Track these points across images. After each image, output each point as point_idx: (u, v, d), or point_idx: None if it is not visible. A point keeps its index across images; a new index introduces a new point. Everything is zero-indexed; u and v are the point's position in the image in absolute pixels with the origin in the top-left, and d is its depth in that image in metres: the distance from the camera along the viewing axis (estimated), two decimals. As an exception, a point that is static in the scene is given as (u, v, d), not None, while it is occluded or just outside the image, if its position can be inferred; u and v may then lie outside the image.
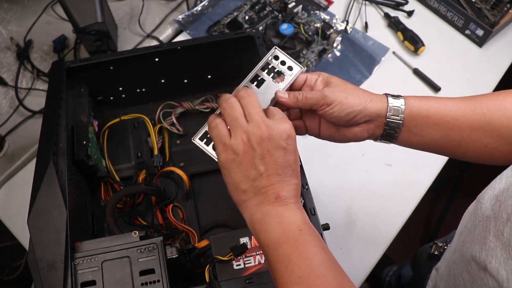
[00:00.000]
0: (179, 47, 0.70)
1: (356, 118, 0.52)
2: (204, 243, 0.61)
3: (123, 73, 0.73)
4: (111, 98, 0.78)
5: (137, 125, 0.79)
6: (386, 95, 0.53)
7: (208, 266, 0.55)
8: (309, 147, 0.81)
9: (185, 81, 0.79)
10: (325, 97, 0.50)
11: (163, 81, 0.77)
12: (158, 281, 0.50)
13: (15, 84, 0.87)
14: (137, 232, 0.53)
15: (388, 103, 0.52)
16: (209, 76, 0.79)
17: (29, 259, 0.48)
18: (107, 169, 0.72)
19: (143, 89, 0.78)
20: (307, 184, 0.58)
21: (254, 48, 0.72)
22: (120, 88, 0.76)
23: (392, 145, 0.67)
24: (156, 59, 0.72)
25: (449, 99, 0.52)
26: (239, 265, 0.55)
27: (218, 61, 0.76)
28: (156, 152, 0.74)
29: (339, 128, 0.54)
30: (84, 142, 0.64)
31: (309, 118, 0.56)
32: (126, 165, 0.75)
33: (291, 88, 0.54)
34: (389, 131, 0.53)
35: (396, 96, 0.53)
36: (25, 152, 0.80)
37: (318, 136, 0.57)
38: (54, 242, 0.49)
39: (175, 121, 0.77)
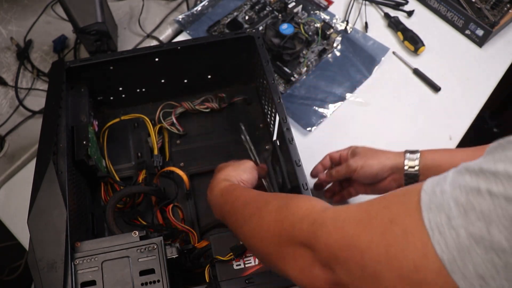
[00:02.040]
0: (179, 47, 0.70)
1: (379, 175, 0.63)
2: (204, 243, 0.61)
3: (123, 73, 0.73)
4: (111, 98, 0.78)
5: (137, 125, 0.79)
6: (405, 151, 0.62)
7: (208, 266, 0.55)
8: (310, 147, 0.81)
9: (185, 81, 0.79)
10: (349, 166, 0.65)
11: (163, 81, 0.77)
12: (158, 281, 0.50)
13: (15, 84, 0.87)
14: (137, 232, 0.53)
15: (404, 158, 0.62)
16: (209, 76, 0.79)
17: (29, 259, 0.48)
18: (107, 169, 0.72)
19: (143, 89, 0.78)
20: (307, 184, 0.58)
21: (254, 48, 0.72)
22: (120, 88, 0.76)
23: (392, 145, 0.67)
24: (156, 59, 0.72)
25: (460, 150, 0.61)
26: (239, 265, 0.55)
27: (218, 61, 0.76)
28: (156, 152, 0.74)
29: (371, 186, 0.66)
30: (84, 142, 0.64)
31: (347, 184, 0.71)
32: (126, 165, 0.75)
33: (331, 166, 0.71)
34: (409, 180, 0.62)
35: (413, 152, 0.62)
36: (25, 152, 0.80)
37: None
38: (54, 242, 0.50)
39: (175, 121, 0.77)
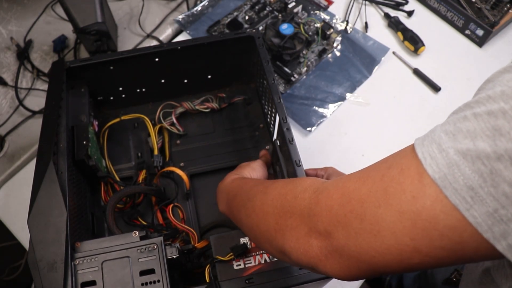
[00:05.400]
0: (179, 47, 0.70)
1: None
2: (204, 243, 0.61)
3: (123, 73, 0.73)
4: (111, 98, 0.78)
5: (137, 125, 0.79)
6: None
7: (208, 266, 0.55)
8: (309, 147, 0.81)
9: (185, 81, 0.79)
10: None
11: (163, 81, 0.77)
12: (158, 281, 0.50)
13: (15, 84, 0.87)
14: (137, 232, 0.53)
15: None
16: (209, 76, 0.79)
17: (29, 259, 0.48)
18: (107, 169, 0.72)
19: (143, 89, 0.78)
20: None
21: (254, 48, 0.72)
22: (120, 88, 0.76)
23: (392, 145, 0.67)
24: (156, 59, 0.72)
25: None
26: (239, 265, 0.55)
27: (218, 61, 0.76)
28: (156, 152, 0.74)
29: None
30: (84, 142, 0.64)
31: None
32: (126, 165, 0.75)
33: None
34: None
35: None
36: (25, 152, 0.80)
37: None
38: (54, 242, 0.49)
39: (175, 121, 0.77)
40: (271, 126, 0.73)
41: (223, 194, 0.58)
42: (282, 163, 0.65)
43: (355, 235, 0.32)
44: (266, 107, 0.75)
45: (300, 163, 0.59)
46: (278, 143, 0.66)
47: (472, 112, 0.28)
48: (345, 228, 0.33)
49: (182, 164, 0.76)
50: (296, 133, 0.82)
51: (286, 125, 0.63)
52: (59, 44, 0.92)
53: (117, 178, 0.72)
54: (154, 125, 0.77)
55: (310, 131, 0.82)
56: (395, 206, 0.30)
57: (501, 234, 0.26)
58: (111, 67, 0.71)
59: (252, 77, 0.81)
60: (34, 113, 0.84)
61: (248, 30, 0.73)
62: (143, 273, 0.51)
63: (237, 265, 0.55)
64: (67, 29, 0.92)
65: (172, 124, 0.77)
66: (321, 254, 0.35)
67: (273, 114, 0.70)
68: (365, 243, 0.32)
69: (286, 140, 0.61)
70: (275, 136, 0.70)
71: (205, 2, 0.98)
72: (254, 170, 0.62)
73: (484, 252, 0.28)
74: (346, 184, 0.35)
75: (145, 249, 0.52)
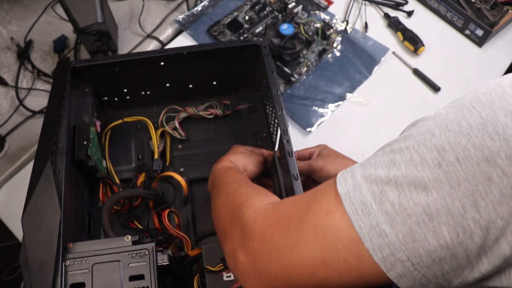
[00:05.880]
0: (184, 52, 0.69)
1: None
2: (197, 251, 0.60)
3: (128, 75, 0.72)
4: (116, 99, 0.77)
5: (140, 127, 0.78)
6: None
7: (197, 275, 0.54)
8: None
9: (190, 86, 0.78)
10: (310, 166, 0.65)
11: (168, 85, 0.76)
12: (147, 287, 0.49)
13: (16, 84, 0.87)
14: (130, 237, 0.53)
15: None
16: (214, 82, 0.78)
17: (21, 257, 0.48)
18: (107, 170, 0.72)
19: (148, 92, 0.77)
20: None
21: (260, 57, 0.71)
22: (125, 90, 0.76)
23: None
24: (162, 63, 0.71)
25: None
26: (229, 276, 0.54)
27: (224, 67, 0.75)
28: (156, 156, 0.73)
29: None
30: (85, 143, 0.64)
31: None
32: (127, 167, 0.75)
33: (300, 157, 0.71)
34: None
35: None
36: (25, 152, 0.80)
37: None
38: (46, 242, 0.49)
39: (177, 125, 0.76)
40: (274, 136, 0.72)
41: (211, 175, 0.62)
42: (280, 176, 0.63)
43: (276, 251, 0.36)
44: (270, 116, 0.74)
45: (298, 177, 0.58)
46: (278, 155, 0.66)
47: (383, 150, 0.35)
48: (269, 245, 0.37)
49: (182, 169, 0.75)
50: (296, 133, 0.82)
51: (286, 137, 0.62)
52: (60, 44, 0.92)
53: (117, 180, 0.71)
54: (156, 128, 0.76)
55: (310, 131, 0.82)
56: (312, 221, 0.35)
57: (378, 246, 0.31)
58: (117, 69, 0.70)
59: (258, 85, 0.80)
60: (34, 113, 0.84)
61: (255, 39, 0.72)
62: (132, 278, 0.50)
63: (227, 277, 0.54)
64: (68, 29, 0.92)
65: (175, 128, 0.77)
66: (244, 270, 0.39)
67: (275, 125, 0.69)
68: (283, 259, 0.36)
69: (285, 153, 0.60)
70: (276, 147, 0.69)
71: (205, 2, 0.98)
72: (251, 164, 0.64)
73: (376, 271, 0.32)
74: (281, 208, 0.39)
75: (136, 254, 0.51)
